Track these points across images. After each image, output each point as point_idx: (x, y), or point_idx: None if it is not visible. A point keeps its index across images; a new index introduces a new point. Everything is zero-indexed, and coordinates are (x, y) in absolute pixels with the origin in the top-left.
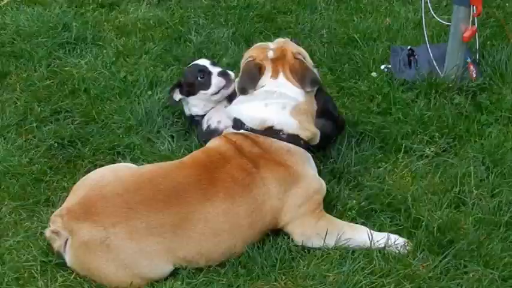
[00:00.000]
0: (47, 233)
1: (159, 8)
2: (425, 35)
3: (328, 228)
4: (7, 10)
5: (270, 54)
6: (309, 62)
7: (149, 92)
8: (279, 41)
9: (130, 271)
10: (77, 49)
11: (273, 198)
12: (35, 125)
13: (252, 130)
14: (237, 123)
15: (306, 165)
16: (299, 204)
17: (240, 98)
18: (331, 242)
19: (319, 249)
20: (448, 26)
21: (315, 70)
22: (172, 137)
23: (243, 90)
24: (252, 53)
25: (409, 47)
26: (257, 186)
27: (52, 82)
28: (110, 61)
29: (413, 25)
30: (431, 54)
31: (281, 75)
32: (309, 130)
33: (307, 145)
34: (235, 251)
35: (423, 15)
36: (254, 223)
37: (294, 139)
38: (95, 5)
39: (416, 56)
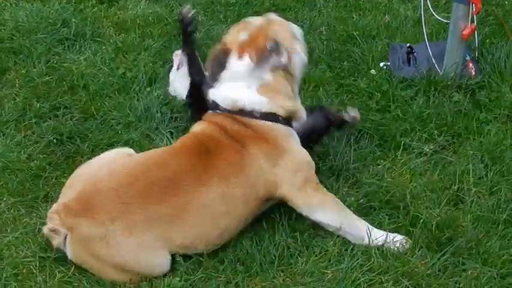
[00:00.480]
0: (45, 230)
1: (158, 4)
2: (425, 33)
3: (332, 204)
4: (6, 6)
5: (242, 37)
6: (294, 43)
7: (148, 89)
8: (267, 20)
9: (130, 266)
10: (76, 45)
11: (265, 173)
12: (34, 121)
13: (227, 111)
14: (214, 105)
15: (291, 140)
16: (291, 175)
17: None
18: (334, 220)
19: (323, 229)
20: (447, 23)
21: (303, 53)
22: (171, 133)
23: (213, 76)
24: (226, 36)
25: (408, 45)
26: (248, 164)
27: (51, 78)
28: (109, 57)
29: (413, 23)
30: (430, 52)
31: (246, 57)
32: (284, 107)
33: (289, 122)
34: (232, 232)
35: (422, 12)
36: (249, 201)
37: (270, 117)
38: (94, 1)
39: (415, 54)
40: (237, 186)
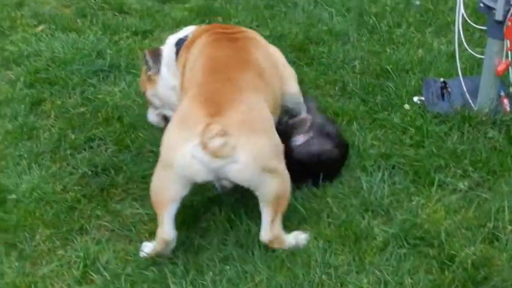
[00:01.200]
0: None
1: None
2: (459, 68)
3: None
4: (42, 37)
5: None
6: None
7: None
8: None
9: None
10: (111, 77)
11: None
12: (68, 152)
13: None
14: None
15: None
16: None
17: None
18: None
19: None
20: (481, 59)
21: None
22: None
23: None
24: None
25: (442, 80)
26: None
27: (86, 109)
28: None
29: (447, 57)
30: (464, 87)
31: None
32: None
33: None
34: None
35: (456, 47)
36: None
37: None
38: (128, 32)
39: (449, 89)
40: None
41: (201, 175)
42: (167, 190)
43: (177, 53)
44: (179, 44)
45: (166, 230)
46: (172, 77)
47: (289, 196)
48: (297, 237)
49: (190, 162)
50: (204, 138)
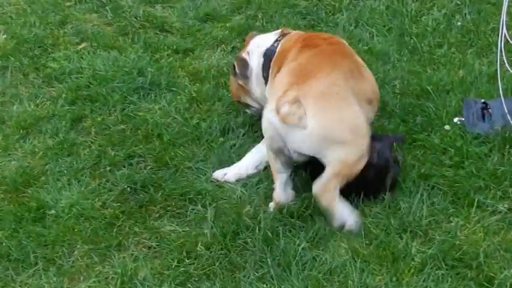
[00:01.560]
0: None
1: (232, 55)
2: (500, 88)
3: None
4: (84, 54)
5: None
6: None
7: (221, 139)
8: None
9: None
10: (151, 94)
11: None
12: (108, 168)
13: None
14: None
15: None
16: None
17: None
18: None
19: None
20: None
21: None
22: (244, 184)
23: None
24: None
25: (482, 100)
26: None
27: (126, 126)
28: (184, 107)
29: (488, 78)
30: (505, 108)
31: None
32: None
33: None
34: None
35: (498, 68)
36: None
37: None
38: (169, 51)
39: (490, 110)
40: None
41: (276, 141)
42: (272, 160)
43: (264, 63)
44: (266, 55)
45: (277, 193)
46: (258, 86)
47: (357, 171)
48: (351, 212)
49: (269, 126)
50: (279, 103)
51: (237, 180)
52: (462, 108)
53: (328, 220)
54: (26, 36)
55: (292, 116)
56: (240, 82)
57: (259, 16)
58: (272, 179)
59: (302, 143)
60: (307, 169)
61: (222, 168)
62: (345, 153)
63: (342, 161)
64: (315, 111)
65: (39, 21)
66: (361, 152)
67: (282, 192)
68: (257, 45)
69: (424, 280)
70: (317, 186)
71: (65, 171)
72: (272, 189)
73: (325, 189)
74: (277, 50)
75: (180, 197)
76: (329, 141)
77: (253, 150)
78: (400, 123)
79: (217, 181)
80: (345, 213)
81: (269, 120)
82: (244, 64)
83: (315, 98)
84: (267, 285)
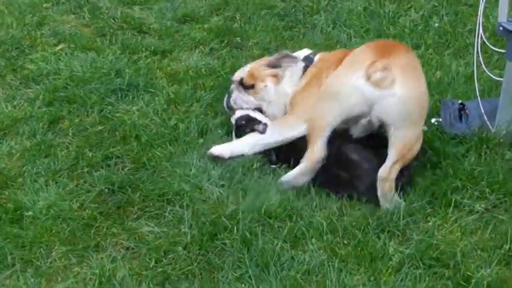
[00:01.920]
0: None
1: (211, 56)
2: (477, 89)
3: None
4: (61, 56)
5: None
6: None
7: (200, 140)
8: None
9: None
10: (129, 96)
11: None
12: (86, 170)
13: None
14: None
15: None
16: None
17: None
18: None
19: None
20: (499, 81)
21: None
22: (222, 185)
23: None
24: None
25: (460, 101)
26: None
27: (104, 128)
28: (161, 108)
29: (464, 79)
30: (482, 109)
31: None
32: None
33: None
34: None
35: (475, 69)
36: None
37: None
38: (147, 52)
39: (467, 110)
40: None
41: (359, 106)
42: (328, 117)
43: (304, 68)
44: (306, 60)
45: (316, 150)
46: (290, 85)
47: (415, 155)
48: (400, 200)
49: (353, 91)
50: (369, 70)
51: (231, 158)
52: (439, 109)
53: (381, 204)
54: (3, 38)
55: (385, 80)
56: (277, 71)
57: (237, 17)
58: (251, 178)
59: (392, 106)
60: (291, 162)
61: (202, 170)
62: (413, 134)
63: (409, 142)
64: (404, 78)
65: (17, 22)
66: (421, 138)
67: (320, 149)
68: (302, 53)
69: (401, 280)
70: (382, 172)
71: (43, 173)
72: (248, 190)
73: (390, 177)
74: (315, 58)
75: (158, 198)
76: (416, 107)
77: (250, 134)
78: None
79: (212, 155)
80: (396, 197)
81: (358, 86)
82: (291, 59)
83: (402, 68)
84: (245, 285)
